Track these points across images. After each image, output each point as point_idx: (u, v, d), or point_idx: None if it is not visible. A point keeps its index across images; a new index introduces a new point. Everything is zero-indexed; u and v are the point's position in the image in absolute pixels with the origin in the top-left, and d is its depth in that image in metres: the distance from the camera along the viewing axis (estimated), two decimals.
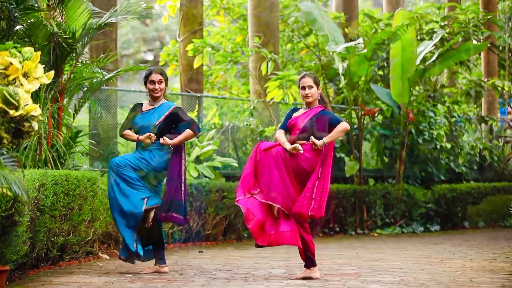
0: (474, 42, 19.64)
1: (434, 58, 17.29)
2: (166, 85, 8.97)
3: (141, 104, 9.03)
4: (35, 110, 6.78)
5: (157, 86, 8.87)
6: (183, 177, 8.83)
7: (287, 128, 8.48)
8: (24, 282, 7.83)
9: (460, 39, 19.91)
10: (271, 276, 8.65)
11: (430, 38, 19.37)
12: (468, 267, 9.82)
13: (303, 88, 8.46)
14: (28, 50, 7.10)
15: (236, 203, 8.28)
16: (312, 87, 8.43)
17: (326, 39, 17.14)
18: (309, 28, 19.59)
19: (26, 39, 9.93)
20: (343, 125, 8.30)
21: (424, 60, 17.90)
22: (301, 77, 8.53)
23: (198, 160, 14.38)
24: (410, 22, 16.99)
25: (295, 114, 8.53)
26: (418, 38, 19.00)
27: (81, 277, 8.37)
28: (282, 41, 21.51)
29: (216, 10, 23.21)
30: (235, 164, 15.41)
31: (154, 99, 8.94)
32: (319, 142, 8.19)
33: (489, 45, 21.10)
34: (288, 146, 8.22)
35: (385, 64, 18.86)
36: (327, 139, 8.23)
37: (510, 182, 20.43)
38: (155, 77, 8.88)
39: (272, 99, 15.74)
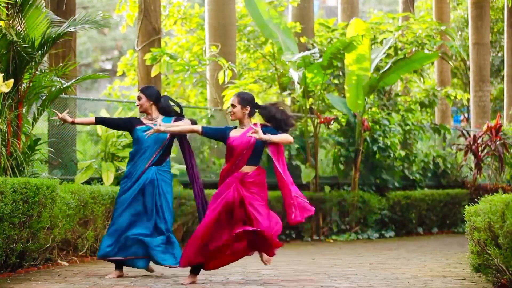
0: (427, 51, 19.90)
1: (387, 67, 17.49)
2: (150, 98, 9.33)
3: (140, 119, 9.44)
4: None
5: (137, 102, 9.35)
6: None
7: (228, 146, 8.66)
8: None
9: (413, 49, 20.20)
10: (229, 282, 8.74)
11: None
12: (422, 272, 9.96)
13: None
14: None
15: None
16: (235, 106, 8.74)
17: (278, 45, 17.29)
18: (265, 38, 19.73)
19: None
20: (290, 137, 8.61)
21: (378, 69, 18.13)
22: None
23: None
24: (365, 32, 17.18)
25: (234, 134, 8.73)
26: (373, 48, 19.20)
27: (41, 284, 8.38)
28: (238, 50, 21.64)
29: (173, 20, 23.26)
30: None
31: (146, 114, 9.40)
32: (264, 136, 8.39)
33: (440, 54, 21.42)
34: None
35: (341, 73, 19.05)
36: (274, 138, 8.47)
37: (463, 189, 20.71)
38: (136, 94, 9.47)
39: (229, 107, 15.86)
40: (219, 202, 8.52)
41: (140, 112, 9.43)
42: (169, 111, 9.38)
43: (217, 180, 16.25)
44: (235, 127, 8.78)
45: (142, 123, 9.26)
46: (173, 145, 9.37)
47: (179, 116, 9.38)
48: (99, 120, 9.50)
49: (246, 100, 8.73)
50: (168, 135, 9.14)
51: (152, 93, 9.35)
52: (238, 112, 8.70)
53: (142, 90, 9.41)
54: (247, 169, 8.68)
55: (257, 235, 8.38)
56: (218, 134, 8.82)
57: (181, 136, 9.21)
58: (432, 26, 20.64)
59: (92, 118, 9.49)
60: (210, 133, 8.87)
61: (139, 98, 9.34)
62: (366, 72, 17.35)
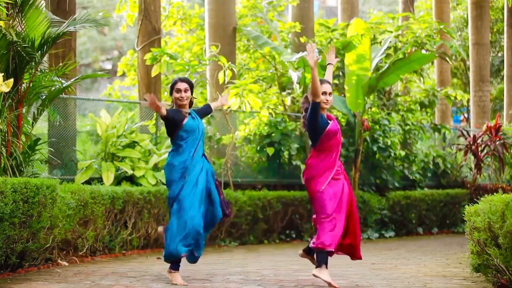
0: (424, 51, 19.91)
1: (386, 67, 17.48)
2: (192, 93, 9.01)
3: (178, 110, 8.95)
4: None
5: (183, 94, 8.87)
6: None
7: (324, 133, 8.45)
8: None
9: (413, 48, 20.20)
10: (229, 282, 8.75)
11: None
12: (422, 272, 9.98)
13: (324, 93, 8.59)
14: None
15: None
16: (326, 93, 8.58)
17: (274, 51, 17.34)
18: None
19: None
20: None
21: (378, 69, 18.15)
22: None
23: (156, 168, 14.45)
24: (365, 32, 17.19)
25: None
26: (373, 47, 19.20)
27: (41, 284, 8.40)
28: (238, 50, 21.65)
29: (173, 21, 23.27)
30: None
31: (181, 107, 8.95)
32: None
33: (437, 54, 21.43)
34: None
35: (340, 73, 19.06)
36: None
37: (463, 189, 20.72)
38: (181, 85, 8.91)
39: (229, 107, 15.89)
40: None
41: (182, 104, 8.91)
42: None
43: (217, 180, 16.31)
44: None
45: (185, 116, 8.90)
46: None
47: (203, 105, 9.38)
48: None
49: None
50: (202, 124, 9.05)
51: (193, 85, 9.08)
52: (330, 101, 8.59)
53: (189, 82, 8.98)
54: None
55: None
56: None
57: None
58: (432, 26, 20.64)
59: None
60: None
61: (186, 90, 8.89)
62: (366, 72, 17.35)
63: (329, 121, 8.45)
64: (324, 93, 8.42)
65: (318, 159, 8.40)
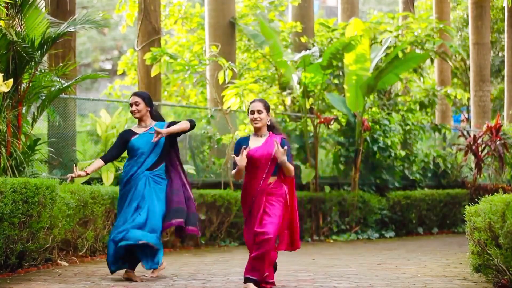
0: (419, 51, 19.92)
1: (383, 65, 17.47)
2: (148, 105, 9.05)
3: (130, 130, 9.12)
4: None
5: (134, 107, 9.00)
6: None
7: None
8: None
9: (412, 47, 20.20)
10: (229, 283, 8.75)
11: None
12: (422, 272, 9.96)
13: (252, 112, 8.08)
14: None
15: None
16: (261, 112, 8.06)
17: (275, 51, 17.32)
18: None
19: None
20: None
21: (377, 68, 18.14)
22: (251, 101, 8.16)
23: None
24: (364, 32, 17.18)
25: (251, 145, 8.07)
26: (372, 47, 19.20)
27: (40, 284, 8.39)
28: (239, 50, 21.65)
29: (174, 20, 23.26)
30: (193, 172, 15.49)
31: (139, 121, 9.11)
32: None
33: (437, 53, 21.43)
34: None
35: (340, 73, 19.05)
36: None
37: (463, 189, 20.70)
38: (132, 99, 9.05)
39: (229, 107, 15.88)
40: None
41: (136, 118, 9.11)
42: (158, 116, 9.27)
43: (217, 180, 16.33)
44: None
45: (135, 134, 9.02)
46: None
47: (172, 121, 9.21)
48: (106, 160, 9.10)
49: (268, 107, 8.19)
50: (164, 140, 8.98)
51: (149, 98, 9.12)
52: (264, 119, 8.11)
53: (140, 95, 9.08)
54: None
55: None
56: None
57: (173, 142, 9.14)
58: (432, 25, 20.63)
59: (100, 161, 9.03)
60: None
61: (137, 104, 9.01)
62: (366, 72, 17.34)
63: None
64: (252, 112, 8.04)
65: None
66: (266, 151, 7.97)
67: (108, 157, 9.13)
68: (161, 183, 9.01)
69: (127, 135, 9.06)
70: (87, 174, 8.92)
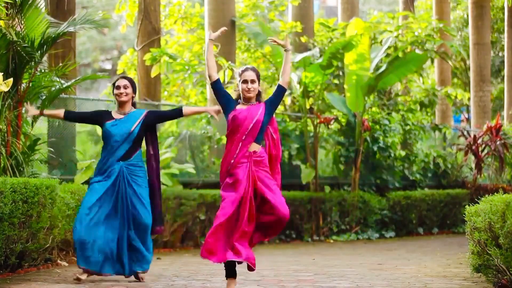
0: (418, 51, 19.92)
1: (384, 66, 17.47)
2: (134, 92, 8.95)
3: (110, 112, 8.95)
4: None
5: (122, 90, 8.82)
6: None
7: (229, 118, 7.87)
8: None
9: (412, 47, 20.20)
10: None
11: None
12: (422, 273, 9.97)
13: (245, 82, 7.84)
14: None
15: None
16: (255, 81, 7.84)
17: (276, 50, 17.32)
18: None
19: None
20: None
21: (377, 68, 18.15)
22: (243, 70, 7.90)
23: None
24: (364, 32, 17.19)
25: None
26: (373, 47, 19.20)
27: (40, 284, 8.39)
28: (239, 50, 21.64)
29: (174, 20, 23.26)
30: (193, 171, 15.50)
31: (121, 105, 8.89)
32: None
33: (437, 54, 21.43)
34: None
35: (340, 73, 19.05)
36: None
37: (463, 189, 20.70)
38: (121, 82, 8.87)
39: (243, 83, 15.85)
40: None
41: (120, 101, 8.87)
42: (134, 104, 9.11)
43: (217, 180, 16.31)
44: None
45: (111, 118, 8.87)
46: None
47: (151, 110, 9.12)
48: (68, 116, 9.14)
49: (259, 75, 7.98)
50: (134, 128, 8.77)
51: (135, 84, 9.04)
52: (257, 89, 7.89)
53: (129, 79, 8.98)
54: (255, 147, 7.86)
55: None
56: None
57: (152, 131, 9.00)
58: (432, 24, 20.63)
59: (61, 111, 9.08)
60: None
61: (125, 87, 8.86)
62: (366, 72, 17.35)
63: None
64: (245, 81, 7.80)
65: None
66: (250, 114, 7.77)
67: (72, 115, 9.29)
68: (139, 173, 8.85)
69: (105, 114, 8.93)
70: (41, 114, 9.23)
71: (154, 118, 9.01)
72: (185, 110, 9.19)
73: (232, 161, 7.76)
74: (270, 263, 11.31)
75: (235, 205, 7.59)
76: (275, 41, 8.02)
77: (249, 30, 18.93)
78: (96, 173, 8.98)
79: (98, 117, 8.98)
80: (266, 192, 7.63)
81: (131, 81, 8.98)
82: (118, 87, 8.86)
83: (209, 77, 7.89)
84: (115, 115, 8.90)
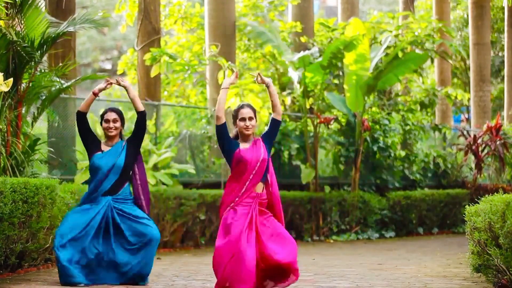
0: (418, 51, 19.92)
1: (383, 65, 17.47)
2: (123, 124, 8.70)
3: (100, 144, 8.66)
4: None
5: (111, 124, 8.57)
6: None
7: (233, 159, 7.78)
8: None
9: (412, 47, 20.20)
10: None
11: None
12: (422, 273, 9.97)
13: (243, 119, 7.81)
14: None
15: None
16: (252, 118, 7.81)
17: (276, 49, 17.32)
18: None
19: None
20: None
21: (377, 68, 18.16)
22: (240, 107, 7.89)
23: (156, 168, 14.44)
24: (365, 32, 17.18)
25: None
26: (372, 47, 19.21)
27: (40, 284, 8.37)
28: (239, 50, 21.64)
29: (174, 20, 23.25)
30: (193, 171, 15.51)
31: (109, 138, 8.65)
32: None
33: (437, 53, 21.43)
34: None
35: (340, 73, 19.05)
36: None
37: (463, 189, 20.70)
38: (109, 115, 8.60)
39: (229, 107, 15.88)
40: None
41: (110, 135, 8.61)
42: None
43: (217, 180, 16.31)
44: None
45: (100, 149, 8.59)
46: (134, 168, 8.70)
47: (129, 137, 8.77)
48: (82, 116, 8.66)
49: (255, 111, 7.94)
50: (118, 158, 8.51)
51: (123, 116, 8.75)
52: (255, 125, 7.88)
53: (119, 113, 8.68)
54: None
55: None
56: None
57: (136, 154, 8.70)
58: (432, 24, 20.64)
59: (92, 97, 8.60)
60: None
61: (114, 121, 8.59)
62: (366, 72, 17.35)
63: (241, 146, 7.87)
64: (243, 119, 7.77)
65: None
66: (255, 153, 7.74)
67: (85, 118, 8.66)
68: (127, 203, 8.63)
69: (97, 144, 8.63)
70: (96, 95, 8.59)
71: (133, 139, 8.67)
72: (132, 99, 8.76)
73: (236, 199, 7.73)
74: None
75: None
76: (259, 76, 7.92)
77: (253, 28, 18.89)
78: (81, 203, 8.67)
79: (92, 144, 8.65)
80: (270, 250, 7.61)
81: (119, 114, 8.67)
82: (107, 121, 8.58)
83: (218, 118, 7.79)
84: (103, 147, 8.64)
